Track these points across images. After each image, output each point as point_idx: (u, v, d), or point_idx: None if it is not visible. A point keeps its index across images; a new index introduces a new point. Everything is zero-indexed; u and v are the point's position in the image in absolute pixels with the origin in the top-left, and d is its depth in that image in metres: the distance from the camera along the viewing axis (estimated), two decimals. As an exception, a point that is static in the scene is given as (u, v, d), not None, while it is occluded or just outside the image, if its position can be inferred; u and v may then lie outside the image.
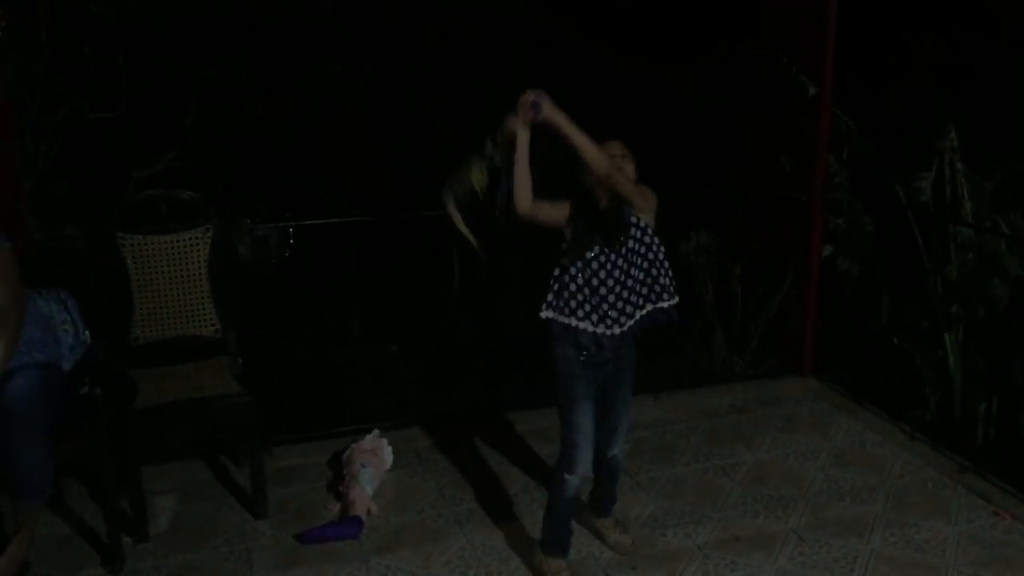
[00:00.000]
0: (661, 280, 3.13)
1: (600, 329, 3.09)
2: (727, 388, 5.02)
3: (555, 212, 3.11)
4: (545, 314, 3.15)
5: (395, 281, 6.48)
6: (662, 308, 3.15)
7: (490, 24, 7.72)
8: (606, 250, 3.06)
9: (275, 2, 6.93)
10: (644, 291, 3.13)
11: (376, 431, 4.21)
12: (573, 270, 3.09)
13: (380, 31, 7.60)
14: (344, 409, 4.56)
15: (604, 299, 3.07)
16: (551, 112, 2.91)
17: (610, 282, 3.06)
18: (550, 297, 3.15)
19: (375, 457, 4.03)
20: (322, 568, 3.44)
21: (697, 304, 5.58)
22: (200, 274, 3.84)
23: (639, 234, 3.08)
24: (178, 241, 3.80)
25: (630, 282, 3.08)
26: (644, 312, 3.14)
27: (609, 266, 3.06)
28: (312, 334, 5.43)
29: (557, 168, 3.10)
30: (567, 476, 3.22)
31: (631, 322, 3.13)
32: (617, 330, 3.10)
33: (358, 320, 5.19)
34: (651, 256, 3.11)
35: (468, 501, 3.91)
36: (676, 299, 3.19)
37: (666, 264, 3.14)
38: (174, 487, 3.98)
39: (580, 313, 3.10)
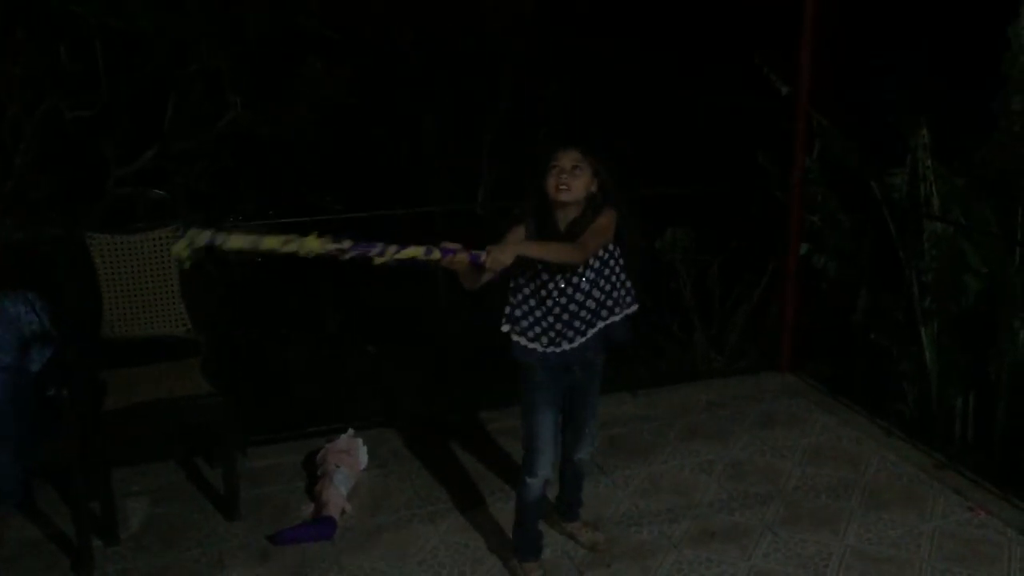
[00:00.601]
0: (615, 295, 3.09)
1: (549, 349, 3.06)
2: (705, 384, 5.02)
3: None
4: (505, 327, 3.11)
5: (376, 281, 6.45)
6: (615, 323, 3.11)
7: (476, 21, 7.70)
8: (558, 277, 3.00)
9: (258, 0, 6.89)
10: (597, 309, 3.07)
11: (351, 431, 4.19)
12: (527, 291, 3.05)
13: (365, 30, 7.57)
14: (319, 409, 4.54)
15: (554, 322, 3.04)
16: (503, 257, 2.74)
17: (557, 309, 3.02)
18: (507, 310, 3.10)
19: (349, 457, 4.01)
20: (295, 570, 3.42)
21: (676, 301, 5.58)
22: (170, 274, 3.81)
23: (596, 262, 3.02)
24: (147, 240, 3.77)
25: (583, 310, 3.04)
26: (597, 328, 3.09)
27: (565, 293, 3.01)
28: (290, 334, 5.41)
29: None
30: (528, 480, 3.22)
31: (582, 339, 3.08)
32: (566, 346, 3.06)
33: (336, 320, 5.17)
34: (608, 276, 3.06)
35: (443, 501, 3.89)
36: (633, 307, 3.14)
37: (622, 278, 3.10)
38: (146, 489, 3.95)
39: (530, 334, 3.06)
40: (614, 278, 3.08)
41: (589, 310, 3.06)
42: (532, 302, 3.05)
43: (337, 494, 3.77)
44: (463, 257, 2.72)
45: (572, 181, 2.95)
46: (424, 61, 7.47)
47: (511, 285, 3.08)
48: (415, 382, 4.92)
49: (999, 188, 4.43)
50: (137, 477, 4.02)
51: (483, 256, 2.73)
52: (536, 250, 2.85)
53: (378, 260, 2.63)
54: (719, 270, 5.69)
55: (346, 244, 2.61)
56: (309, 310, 5.52)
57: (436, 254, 2.69)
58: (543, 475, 3.21)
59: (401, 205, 6.06)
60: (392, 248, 2.64)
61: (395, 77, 7.60)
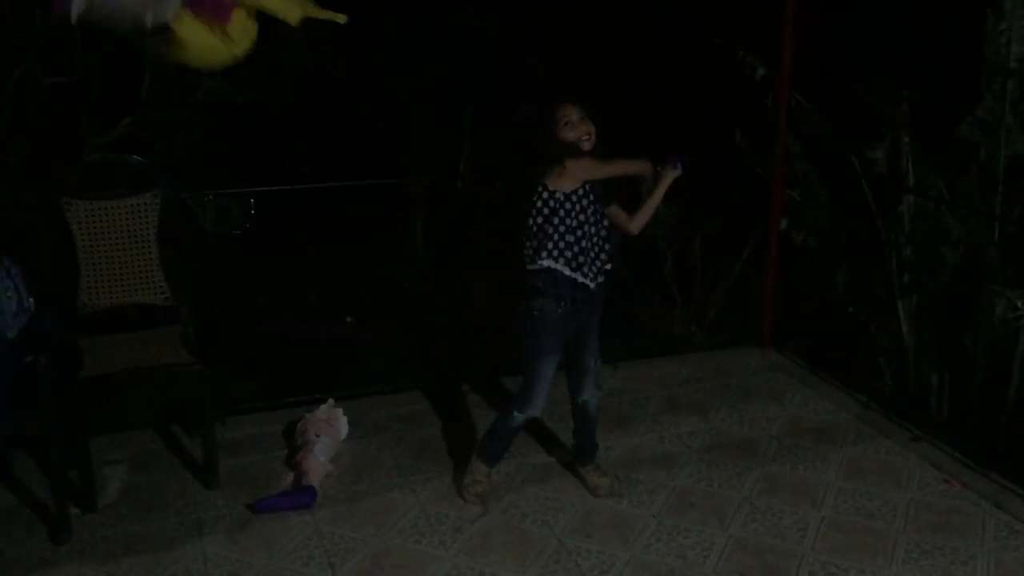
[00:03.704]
0: (608, 242, 3.41)
1: (588, 280, 3.32)
2: (685, 358, 5.04)
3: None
4: (544, 263, 3.29)
5: (357, 251, 6.43)
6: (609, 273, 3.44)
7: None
8: (585, 202, 3.29)
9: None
10: (605, 247, 3.38)
11: (331, 401, 4.18)
12: (556, 219, 3.27)
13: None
14: (299, 380, 4.53)
15: (584, 250, 3.30)
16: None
17: (585, 232, 3.30)
18: (537, 247, 3.31)
19: (329, 427, 4.00)
20: (274, 538, 3.42)
21: (657, 275, 5.59)
22: (148, 241, 3.77)
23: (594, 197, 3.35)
24: (125, 207, 3.73)
25: (597, 238, 3.34)
26: (608, 269, 3.40)
27: (593, 218, 3.31)
28: (269, 305, 5.38)
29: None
30: (516, 413, 3.47)
31: (601, 278, 3.38)
32: (592, 284, 3.34)
33: (316, 291, 5.15)
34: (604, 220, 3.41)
35: (423, 471, 3.89)
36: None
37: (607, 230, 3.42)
38: (124, 457, 3.93)
39: (574, 264, 3.29)
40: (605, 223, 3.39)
41: (602, 245, 3.36)
42: (562, 228, 3.29)
43: (317, 463, 3.77)
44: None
45: (591, 127, 3.28)
46: (400, 33, 7.42)
47: (534, 224, 3.32)
48: (395, 353, 4.91)
49: (980, 163, 4.45)
50: (115, 446, 3.99)
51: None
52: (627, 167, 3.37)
53: None
54: (700, 245, 5.69)
55: None
56: (288, 281, 5.49)
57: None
58: (530, 414, 3.47)
59: (380, 176, 6.03)
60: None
61: (373, 49, 7.53)
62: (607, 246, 3.37)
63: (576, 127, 3.26)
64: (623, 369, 4.80)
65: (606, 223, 3.37)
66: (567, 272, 3.29)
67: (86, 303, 3.75)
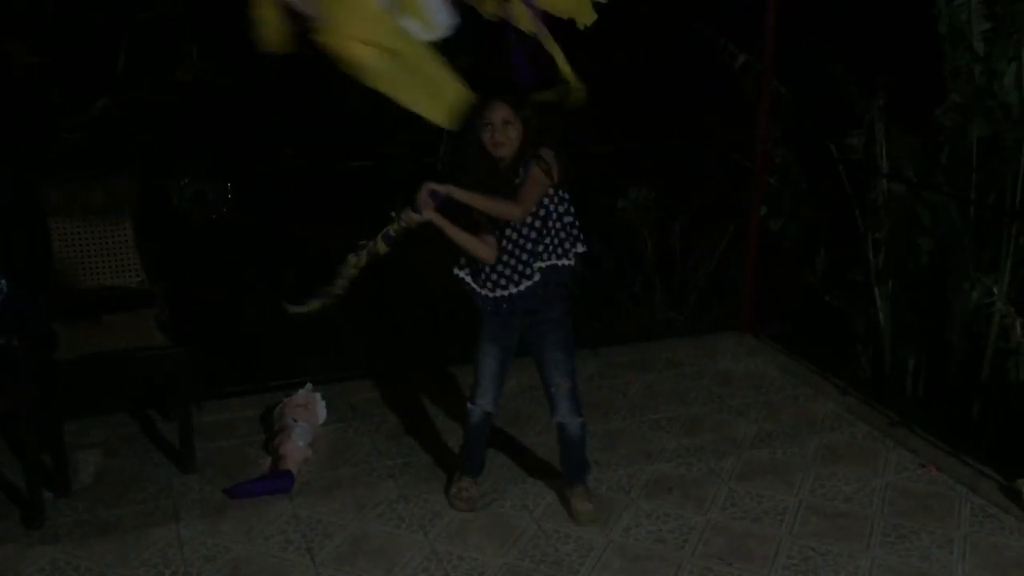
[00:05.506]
0: (559, 239, 3.16)
1: (496, 293, 3.22)
2: (664, 343, 5.04)
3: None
4: (455, 271, 3.29)
5: (335, 234, 6.39)
6: (557, 267, 3.17)
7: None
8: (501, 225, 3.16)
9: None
10: (540, 253, 3.16)
11: (309, 385, 4.15)
12: None
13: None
14: (276, 364, 4.50)
15: (496, 266, 3.19)
16: (447, 193, 3.01)
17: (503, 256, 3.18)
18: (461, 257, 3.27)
19: (307, 412, 3.97)
20: (251, 523, 3.40)
21: (637, 260, 5.58)
22: (124, 224, 3.73)
23: (541, 211, 3.12)
24: (100, 189, 3.68)
25: (523, 253, 3.16)
26: (539, 273, 3.17)
27: (509, 239, 3.15)
28: (247, 288, 5.34)
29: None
30: (469, 405, 3.45)
31: (528, 283, 3.18)
32: (512, 290, 3.19)
33: (293, 274, 5.11)
34: (554, 222, 3.15)
35: (403, 455, 3.88)
36: (579, 248, 3.21)
37: (566, 220, 3.16)
38: (99, 441, 3.89)
39: (478, 279, 3.24)
40: (559, 224, 3.16)
41: (532, 253, 3.15)
42: None
43: (295, 448, 3.74)
44: (424, 198, 3.00)
45: (506, 135, 3.06)
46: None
47: None
48: (374, 336, 4.89)
49: (953, 149, 4.46)
50: (89, 429, 3.95)
51: (441, 190, 2.99)
52: (479, 201, 3.04)
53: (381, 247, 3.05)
54: (680, 230, 5.70)
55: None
56: (265, 264, 5.46)
57: (400, 222, 3.03)
58: (482, 405, 3.41)
59: (361, 159, 5.99)
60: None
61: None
62: (541, 249, 3.14)
63: (491, 133, 3.05)
64: (603, 354, 4.80)
65: (529, 232, 3.14)
66: (475, 288, 3.26)
67: (60, 286, 3.70)
